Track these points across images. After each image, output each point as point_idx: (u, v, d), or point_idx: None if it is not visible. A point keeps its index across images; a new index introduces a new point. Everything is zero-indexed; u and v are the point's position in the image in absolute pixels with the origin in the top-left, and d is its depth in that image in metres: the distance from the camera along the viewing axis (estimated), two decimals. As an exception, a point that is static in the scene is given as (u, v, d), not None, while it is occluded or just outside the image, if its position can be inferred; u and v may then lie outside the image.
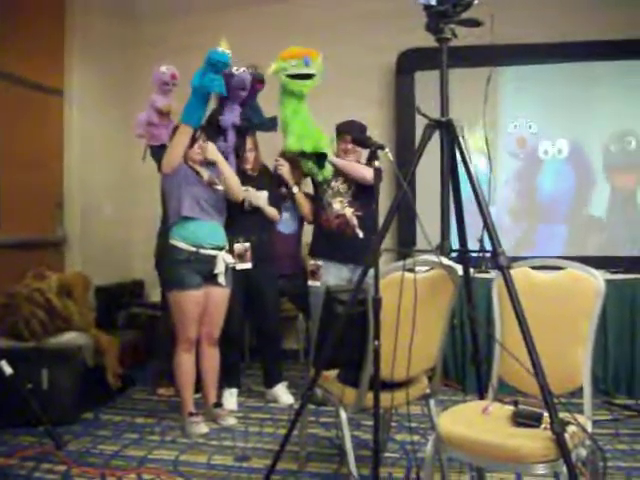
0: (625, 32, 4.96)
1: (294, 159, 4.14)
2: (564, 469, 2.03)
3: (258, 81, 3.96)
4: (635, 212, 5.16)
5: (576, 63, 5.17)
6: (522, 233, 5.34)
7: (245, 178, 4.01)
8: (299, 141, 3.83)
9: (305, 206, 4.30)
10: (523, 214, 5.37)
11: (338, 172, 4.07)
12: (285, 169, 4.22)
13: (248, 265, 4.02)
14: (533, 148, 5.30)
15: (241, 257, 4.00)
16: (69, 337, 3.98)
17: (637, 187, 5.17)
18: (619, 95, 5.14)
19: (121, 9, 5.79)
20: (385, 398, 2.48)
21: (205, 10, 5.78)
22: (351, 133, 3.85)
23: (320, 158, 3.96)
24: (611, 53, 5.07)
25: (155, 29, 5.92)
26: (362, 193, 4.00)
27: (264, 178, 4.19)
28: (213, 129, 3.86)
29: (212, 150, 3.71)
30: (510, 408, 2.32)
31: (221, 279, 3.69)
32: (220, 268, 3.67)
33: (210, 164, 3.75)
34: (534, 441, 2.08)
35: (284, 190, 4.32)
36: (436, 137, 2.60)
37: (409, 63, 5.35)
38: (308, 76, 3.76)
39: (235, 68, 3.74)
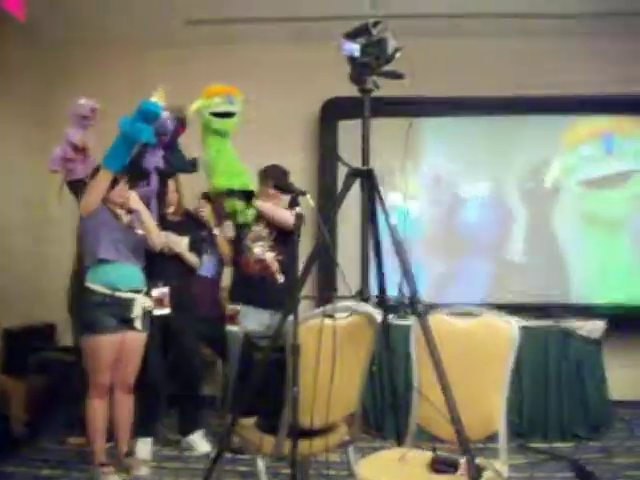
0: (537, 88, 5.26)
1: (215, 201, 4.12)
2: (481, 515, 2.04)
3: (180, 124, 3.93)
4: (552, 249, 5.43)
5: (492, 117, 5.42)
6: (443, 273, 5.48)
7: (166, 223, 3.95)
8: (227, 179, 3.80)
9: (225, 248, 4.27)
10: (444, 255, 5.53)
11: (260, 216, 4.06)
12: (207, 210, 4.19)
13: (167, 311, 3.93)
14: (452, 192, 5.49)
15: (160, 302, 3.90)
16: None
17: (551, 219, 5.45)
18: (532, 146, 5.43)
19: (36, 37, 5.64)
20: (303, 446, 2.44)
21: (126, 42, 5.71)
22: (274, 178, 3.86)
23: (247, 196, 3.94)
24: (525, 108, 5.35)
25: (74, 59, 5.82)
26: (283, 237, 4.00)
27: (186, 222, 4.15)
28: (135, 173, 3.78)
29: (134, 199, 3.65)
30: (428, 454, 2.33)
31: (137, 323, 3.60)
32: (137, 312, 3.58)
33: (131, 211, 3.68)
34: (451, 488, 2.09)
35: (204, 233, 4.28)
36: (357, 185, 2.65)
37: (333, 112, 5.47)
38: (231, 114, 3.76)
39: None
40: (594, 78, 5.32)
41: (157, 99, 3.40)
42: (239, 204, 3.93)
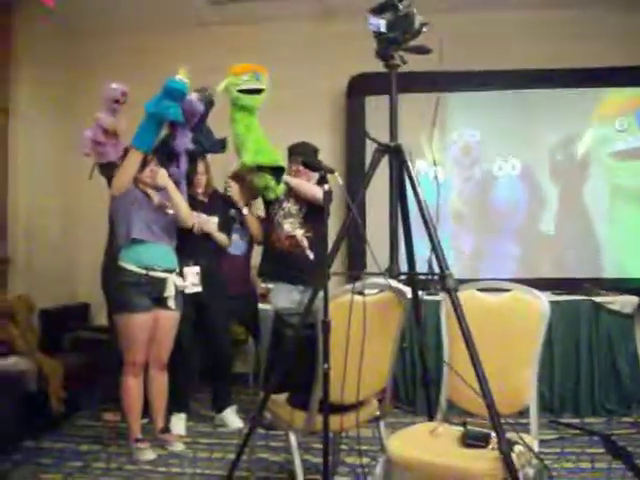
0: (564, 62, 5.17)
1: (244, 180, 4.14)
2: (512, 488, 2.05)
3: (208, 104, 3.94)
4: (583, 224, 5.37)
5: (521, 90, 5.34)
6: (473, 250, 5.45)
7: (196, 203, 3.98)
8: (256, 155, 3.83)
9: (255, 226, 4.30)
10: (474, 231, 5.48)
11: (290, 193, 4.08)
12: (234, 190, 4.21)
13: (198, 289, 3.97)
14: (482, 168, 5.45)
15: (191, 281, 3.95)
16: (11, 362, 3.86)
17: (582, 192, 5.39)
18: (563, 120, 5.35)
19: (65, 27, 5.70)
20: (334, 421, 2.47)
21: (151, 29, 5.73)
22: (302, 155, 3.87)
23: (277, 173, 3.96)
24: (552, 81, 5.26)
25: (97, 47, 5.86)
26: (313, 214, 4.02)
27: (215, 202, 4.16)
28: (165, 155, 3.80)
29: (163, 176, 3.67)
30: (459, 429, 2.34)
31: (171, 302, 3.65)
32: (170, 291, 3.63)
33: (160, 189, 3.71)
34: (482, 461, 2.10)
35: (233, 212, 4.31)
36: (386, 161, 2.64)
37: (360, 88, 5.43)
38: (258, 91, 3.78)
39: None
40: (625, 50, 5.21)
41: (181, 77, 3.41)
42: (270, 179, 3.95)
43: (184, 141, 3.82)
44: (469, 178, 5.49)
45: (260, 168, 3.92)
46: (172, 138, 3.80)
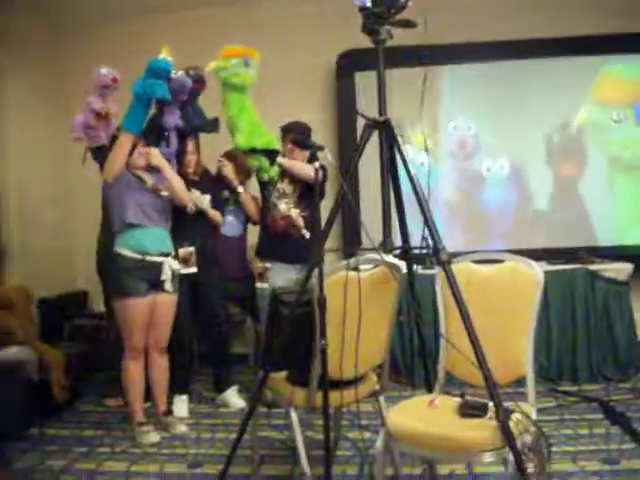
0: (554, 31, 5.14)
1: (237, 159, 4.14)
2: (510, 456, 2.08)
3: (198, 82, 3.88)
4: (577, 202, 5.36)
5: (510, 61, 5.31)
6: (467, 228, 5.46)
7: (186, 182, 3.98)
8: (250, 138, 3.83)
9: (251, 205, 4.31)
10: (466, 209, 5.49)
11: (284, 173, 4.08)
12: (229, 169, 4.21)
13: (193, 269, 3.98)
14: (474, 146, 5.42)
15: (186, 261, 3.95)
16: (12, 352, 3.88)
17: (579, 175, 5.38)
18: (553, 91, 5.32)
19: (54, 14, 5.66)
20: (334, 397, 2.50)
21: (138, 14, 5.69)
22: (293, 133, 3.87)
23: (270, 155, 3.96)
24: (544, 51, 5.23)
25: (88, 33, 5.82)
26: (308, 194, 4.02)
27: (206, 182, 4.16)
28: (154, 134, 3.78)
29: (156, 156, 3.66)
30: (457, 400, 2.36)
31: (168, 286, 3.66)
32: (167, 274, 3.64)
33: (154, 170, 3.70)
34: (480, 431, 2.13)
35: (226, 193, 4.31)
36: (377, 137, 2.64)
37: (348, 64, 5.41)
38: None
39: (173, 71, 3.68)
40: (619, 18, 5.18)
41: (164, 56, 3.39)
42: (263, 161, 3.96)
43: (173, 118, 3.78)
44: (460, 157, 5.48)
45: (254, 150, 3.92)
46: (161, 116, 3.75)
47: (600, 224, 5.34)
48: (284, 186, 4.10)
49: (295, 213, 4.03)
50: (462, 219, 5.47)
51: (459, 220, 5.46)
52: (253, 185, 4.36)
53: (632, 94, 5.32)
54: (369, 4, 2.52)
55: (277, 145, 4.00)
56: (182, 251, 3.93)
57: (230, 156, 4.21)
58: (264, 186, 4.16)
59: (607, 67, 5.33)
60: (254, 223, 4.44)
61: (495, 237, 5.43)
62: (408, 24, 2.57)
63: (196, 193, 4.01)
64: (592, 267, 4.50)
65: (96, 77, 3.78)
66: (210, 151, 4.32)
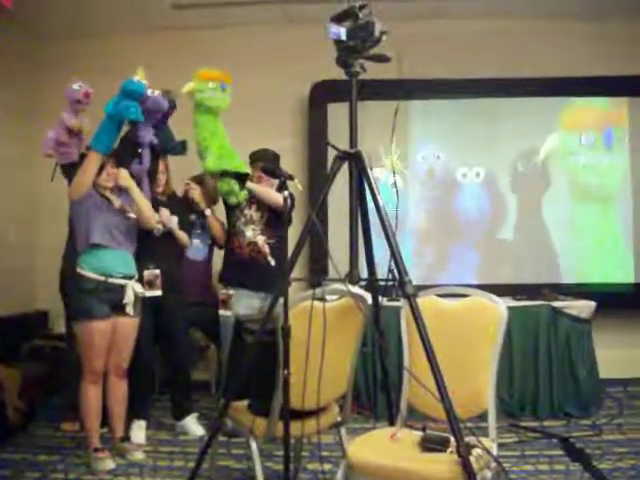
0: (526, 71, 5.27)
1: (205, 182, 4.13)
2: (470, 492, 2.07)
3: (170, 107, 3.90)
4: (542, 234, 5.45)
5: (479, 99, 5.42)
6: (434, 258, 5.51)
7: (155, 202, 3.94)
8: (219, 161, 3.82)
9: (217, 228, 4.29)
10: (435, 239, 5.55)
11: (251, 200, 4.07)
12: (196, 192, 4.19)
13: (158, 292, 3.93)
14: (443, 176, 5.50)
15: (151, 284, 3.90)
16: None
17: (542, 200, 5.48)
18: (522, 130, 5.44)
19: (31, 29, 5.63)
20: (295, 427, 2.47)
21: (116, 32, 5.70)
22: (263, 162, 3.88)
23: (240, 179, 3.95)
24: (514, 90, 5.36)
25: (61, 49, 5.78)
26: (275, 221, 4.02)
27: (174, 204, 4.14)
28: (127, 151, 3.74)
29: (124, 177, 3.63)
30: (418, 434, 2.36)
31: (129, 309, 3.60)
32: (129, 298, 3.59)
33: (121, 191, 3.67)
34: (440, 465, 2.12)
35: (193, 217, 4.29)
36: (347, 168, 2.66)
37: (322, 95, 5.46)
38: None
39: (150, 91, 3.66)
40: (581, 60, 5.34)
41: (139, 78, 3.39)
42: (233, 184, 3.95)
43: (147, 134, 3.75)
44: (429, 186, 5.55)
45: (224, 173, 3.91)
46: (135, 133, 3.71)
47: (564, 262, 5.43)
48: (251, 212, 4.09)
49: (261, 240, 4.02)
50: (430, 249, 5.52)
51: (427, 251, 5.50)
52: (219, 209, 4.34)
53: (601, 120, 5.48)
54: (344, 37, 2.56)
55: (247, 169, 4.00)
56: (147, 273, 3.89)
57: (198, 180, 4.20)
58: (231, 211, 4.15)
59: (576, 99, 5.50)
60: (220, 247, 4.41)
61: (462, 270, 5.48)
62: (382, 58, 2.61)
63: (165, 212, 3.98)
64: (555, 304, 4.54)
65: (69, 92, 3.74)
66: (177, 173, 4.29)
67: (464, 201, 5.53)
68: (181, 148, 4.00)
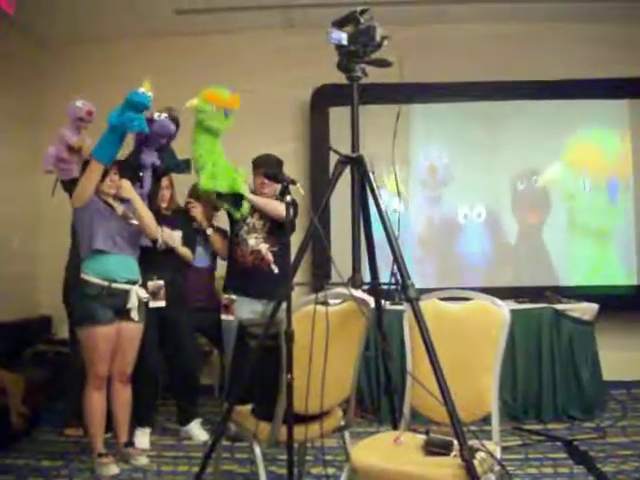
0: (528, 74, 5.28)
1: (205, 197, 4.12)
2: (474, 495, 2.07)
3: (175, 125, 3.85)
4: (541, 248, 5.48)
5: (480, 102, 5.43)
6: (434, 261, 5.53)
7: (159, 217, 3.94)
8: (212, 180, 3.78)
9: (219, 245, 4.29)
10: (436, 242, 5.57)
11: (254, 208, 4.07)
12: (197, 210, 4.19)
13: (162, 303, 3.94)
14: (441, 174, 5.52)
15: (155, 295, 3.91)
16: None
17: (543, 225, 5.52)
18: (524, 132, 5.45)
19: (34, 36, 5.65)
20: (299, 431, 2.47)
21: (120, 39, 5.72)
22: (266, 167, 3.87)
23: (236, 197, 3.94)
24: (516, 93, 5.37)
25: (64, 56, 5.81)
26: (277, 229, 4.02)
27: (178, 218, 4.14)
28: (128, 174, 3.73)
29: (126, 188, 3.64)
30: (422, 437, 2.36)
31: (134, 314, 3.61)
32: (133, 303, 3.60)
33: (124, 199, 3.68)
34: (444, 469, 2.12)
35: (196, 224, 4.29)
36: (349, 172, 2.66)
37: (323, 99, 5.48)
38: None
39: (157, 114, 3.64)
40: (582, 62, 5.35)
41: (145, 90, 3.37)
42: (230, 206, 3.94)
43: (150, 157, 3.77)
44: (429, 188, 5.56)
45: (219, 195, 3.89)
46: (138, 153, 3.73)
47: (566, 264, 5.46)
48: (254, 221, 4.09)
49: (264, 248, 4.01)
50: (432, 255, 5.52)
51: (429, 256, 5.50)
52: (222, 217, 4.33)
53: (606, 166, 5.48)
54: (345, 42, 2.56)
55: (240, 187, 3.93)
56: (151, 284, 3.90)
57: (197, 194, 4.18)
58: (234, 221, 4.14)
59: (581, 131, 5.51)
60: (222, 259, 4.41)
61: (464, 274, 5.48)
62: (383, 63, 2.62)
63: (166, 231, 3.97)
64: (558, 306, 4.54)
65: (71, 109, 3.71)
66: (178, 187, 4.28)
67: (463, 204, 5.54)
68: (185, 167, 3.98)
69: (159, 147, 3.83)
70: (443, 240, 5.57)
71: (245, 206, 3.99)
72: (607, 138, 5.50)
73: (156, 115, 3.64)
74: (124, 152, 3.69)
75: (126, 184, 3.65)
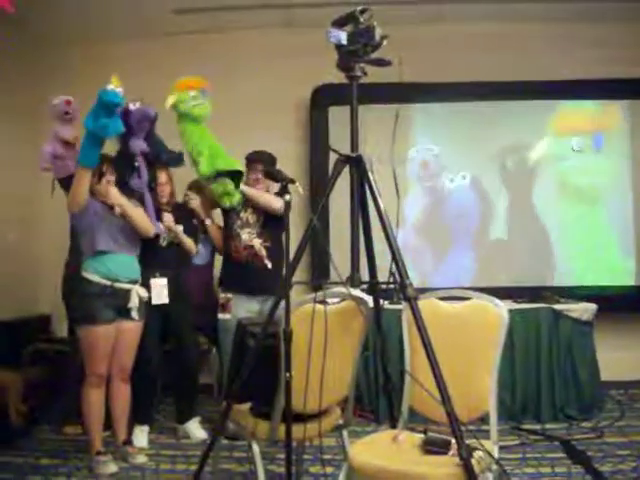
0: (528, 74, 5.29)
1: (203, 191, 4.13)
2: (472, 494, 2.08)
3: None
4: (535, 228, 5.50)
5: (482, 102, 5.44)
6: (431, 259, 5.54)
7: (159, 212, 3.95)
8: (212, 161, 3.80)
9: (218, 237, 4.29)
10: (432, 241, 5.57)
11: (247, 203, 4.08)
12: (196, 202, 4.19)
13: (164, 300, 3.95)
14: (437, 173, 5.54)
15: (157, 292, 3.91)
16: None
17: (532, 193, 5.53)
18: (518, 132, 5.49)
19: (25, 31, 5.61)
20: (297, 430, 2.48)
21: (117, 38, 5.71)
22: (261, 164, 3.88)
23: (234, 177, 3.94)
24: (516, 93, 5.38)
25: (63, 54, 5.81)
26: (271, 224, 4.03)
27: (179, 213, 4.14)
28: (125, 164, 3.73)
29: (114, 195, 3.60)
30: (420, 436, 2.37)
31: (134, 313, 3.62)
32: (134, 302, 3.60)
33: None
34: (442, 467, 2.13)
35: (195, 220, 4.29)
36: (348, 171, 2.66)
37: (323, 98, 5.48)
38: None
39: (131, 104, 3.61)
40: (578, 63, 5.35)
41: (113, 87, 3.33)
42: (228, 184, 3.93)
43: (138, 143, 3.73)
44: (427, 191, 5.56)
45: (218, 174, 3.90)
46: (126, 144, 3.71)
47: (564, 264, 5.46)
48: (247, 215, 4.10)
49: (258, 243, 4.02)
50: (426, 252, 5.54)
51: (423, 254, 5.52)
52: (217, 213, 4.34)
53: (591, 125, 5.50)
54: (344, 42, 2.57)
55: (240, 166, 3.97)
56: (154, 282, 3.90)
57: (196, 187, 4.20)
58: (227, 214, 4.15)
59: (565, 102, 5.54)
60: (221, 253, 4.42)
61: (462, 272, 5.49)
62: (382, 62, 2.62)
63: (169, 216, 3.97)
64: (557, 306, 4.55)
65: (52, 110, 3.70)
66: (177, 184, 4.28)
67: (458, 202, 5.55)
68: (179, 159, 3.97)
69: (145, 134, 3.80)
70: (436, 232, 5.60)
71: (238, 196, 3.99)
72: (607, 138, 5.49)
73: (131, 105, 3.61)
74: (112, 147, 3.68)
75: (113, 191, 3.61)
